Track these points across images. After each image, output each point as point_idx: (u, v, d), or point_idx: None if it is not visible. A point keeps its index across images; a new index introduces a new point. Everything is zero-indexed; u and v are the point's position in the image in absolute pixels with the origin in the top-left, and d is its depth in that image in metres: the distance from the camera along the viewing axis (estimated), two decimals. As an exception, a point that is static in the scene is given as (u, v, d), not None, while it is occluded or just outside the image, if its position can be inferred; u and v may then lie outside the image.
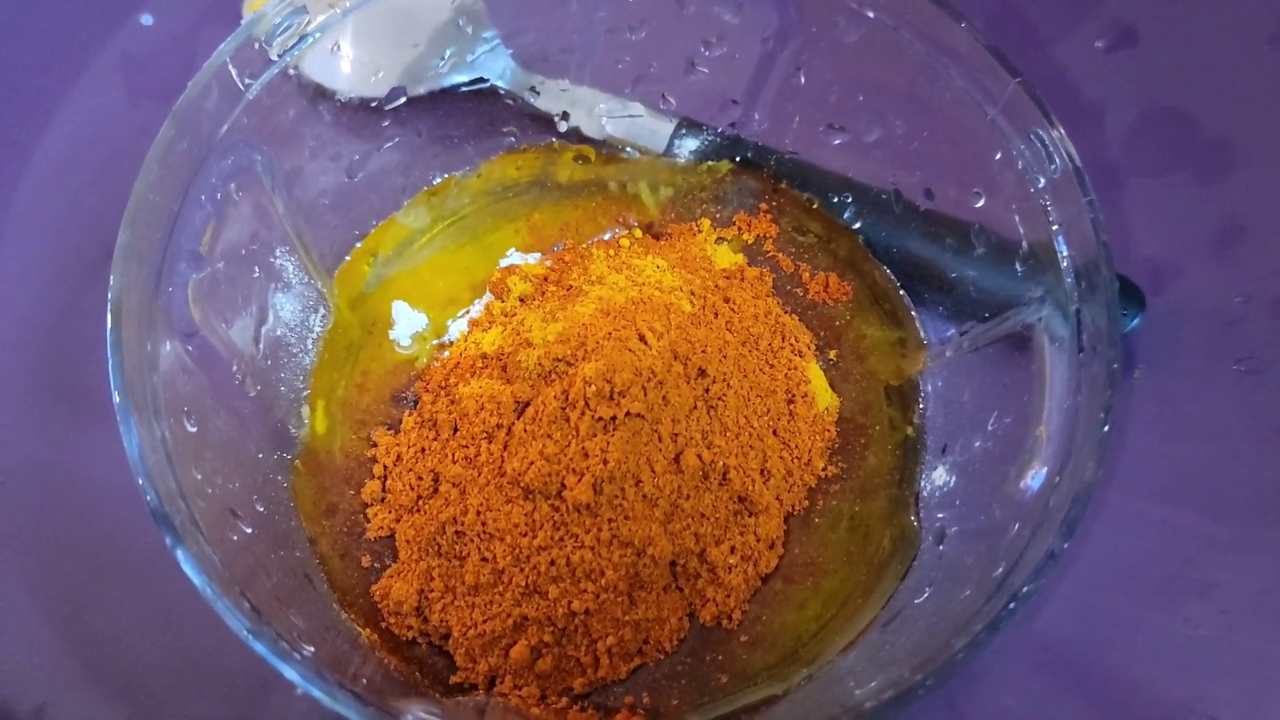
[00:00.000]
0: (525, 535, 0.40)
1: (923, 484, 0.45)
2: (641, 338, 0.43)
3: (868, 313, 0.49)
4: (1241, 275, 0.50)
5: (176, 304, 0.38)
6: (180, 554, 0.33)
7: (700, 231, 0.51)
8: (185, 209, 0.38)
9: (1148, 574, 0.45)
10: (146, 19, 0.55)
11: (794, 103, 0.49)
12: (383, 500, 0.44)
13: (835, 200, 0.50)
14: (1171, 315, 0.50)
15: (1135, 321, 0.48)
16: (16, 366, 0.48)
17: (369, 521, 0.44)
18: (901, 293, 0.49)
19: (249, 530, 0.39)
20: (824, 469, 0.46)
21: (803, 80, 0.48)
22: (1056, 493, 0.37)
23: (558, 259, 0.49)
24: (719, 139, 0.51)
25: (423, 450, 0.44)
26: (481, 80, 0.50)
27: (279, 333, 0.45)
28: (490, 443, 0.42)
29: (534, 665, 0.41)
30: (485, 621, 0.40)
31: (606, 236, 0.51)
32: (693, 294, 0.47)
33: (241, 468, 0.41)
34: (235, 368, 0.42)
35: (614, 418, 0.41)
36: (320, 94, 0.45)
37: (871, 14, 0.43)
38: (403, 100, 0.48)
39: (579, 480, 0.40)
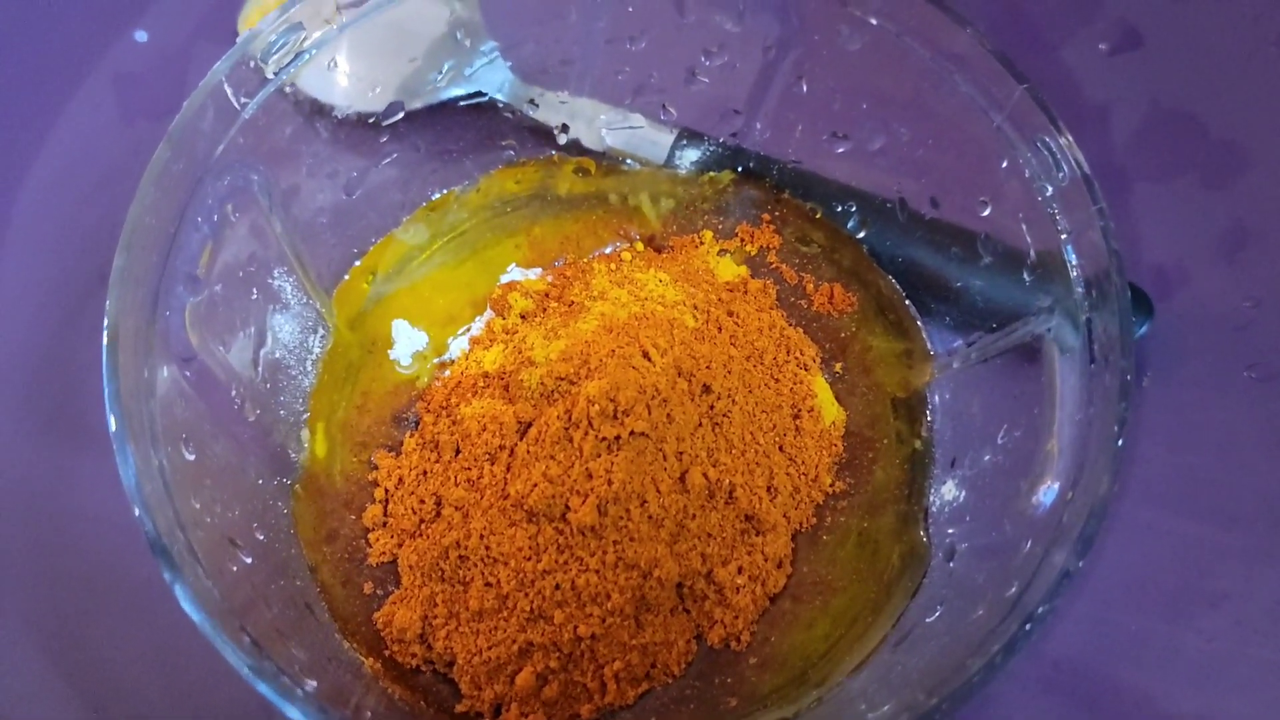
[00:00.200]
0: (529, 559, 0.40)
1: (932, 499, 0.45)
2: (645, 354, 0.43)
3: (873, 324, 0.49)
4: (1250, 280, 0.50)
5: (174, 328, 0.38)
6: (179, 589, 0.32)
7: (703, 243, 0.50)
8: (182, 231, 0.38)
9: (1158, 586, 0.45)
10: (141, 35, 0.55)
11: (796, 112, 0.48)
12: (384, 525, 0.43)
13: (839, 210, 0.49)
14: (1179, 322, 0.49)
15: (1143, 329, 0.47)
16: (10, 391, 0.47)
17: (370, 547, 0.43)
18: (907, 303, 0.48)
19: (248, 560, 0.38)
20: (831, 485, 0.45)
21: (805, 89, 0.47)
22: (1070, 508, 0.36)
23: (559, 274, 0.49)
24: (720, 149, 0.51)
25: (425, 473, 0.43)
26: (480, 94, 0.50)
27: (278, 355, 0.44)
28: (493, 464, 0.42)
29: (540, 692, 0.40)
30: (490, 648, 0.40)
31: (608, 250, 0.50)
32: (696, 308, 0.46)
33: (241, 495, 0.40)
34: (234, 392, 0.41)
35: (618, 437, 0.40)
36: (317, 110, 0.44)
37: (874, 21, 0.43)
38: (400, 115, 0.47)
39: (583, 502, 0.39)
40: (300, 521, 0.43)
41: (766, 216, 0.51)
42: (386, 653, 0.41)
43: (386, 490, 0.44)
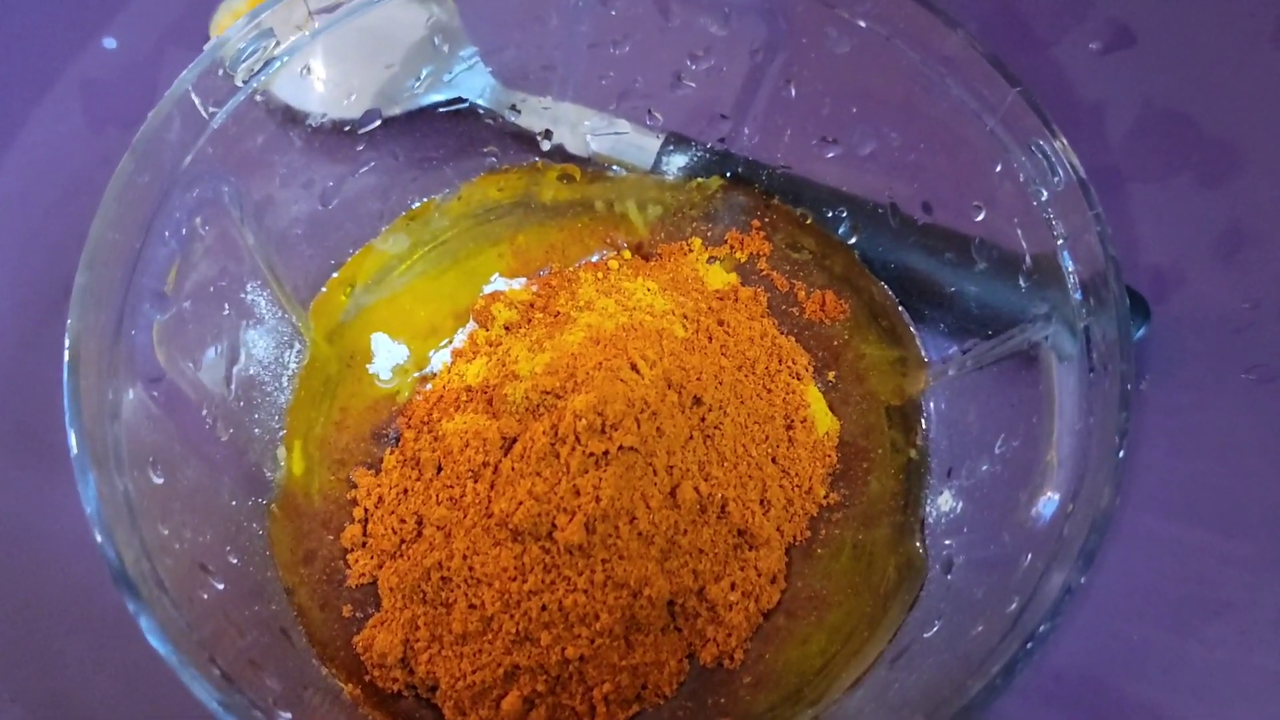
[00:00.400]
0: (515, 579, 0.39)
1: (928, 510, 0.44)
2: (633, 367, 0.42)
3: (866, 331, 0.48)
4: (1248, 281, 0.50)
5: (140, 348, 0.36)
6: (143, 621, 0.31)
7: (691, 251, 0.49)
8: (148, 246, 0.37)
9: (1160, 595, 0.44)
10: (109, 42, 0.54)
11: (785, 116, 0.48)
12: (364, 545, 0.42)
13: (830, 215, 0.49)
14: (1176, 324, 0.49)
15: (1140, 332, 0.46)
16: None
17: (349, 568, 0.42)
18: (901, 310, 0.48)
19: (220, 586, 0.37)
20: (825, 496, 0.44)
21: (793, 93, 0.47)
22: (1071, 521, 0.35)
23: (544, 284, 0.48)
24: (708, 154, 0.50)
25: (405, 491, 0.42)
26: (460, 100, 0.49)
27: (252, 371, 0.43)
28: (476, 482, 0.41)
29: (527, 716, 0.39)
30: (475, 672, 0.39)
31: (594, 258, 0.49)
32: (685, 318, 0.45)
33: (213, 517, 0.39)
34: (205, 411, 0.40)
35: (606, 452, 0.39)
36: (291, 118, 0.43)
37: (863, 23, 0.42)
38: (377, 123, 0.46)
39: (570, 520, 0.38)
40: (276, 543, 0.42)
41: (756, 223, 0.50)
42: (367, 678, 0.40)
43: (366, 509, 0.43)
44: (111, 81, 0.53)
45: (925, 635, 0.39)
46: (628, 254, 0.49)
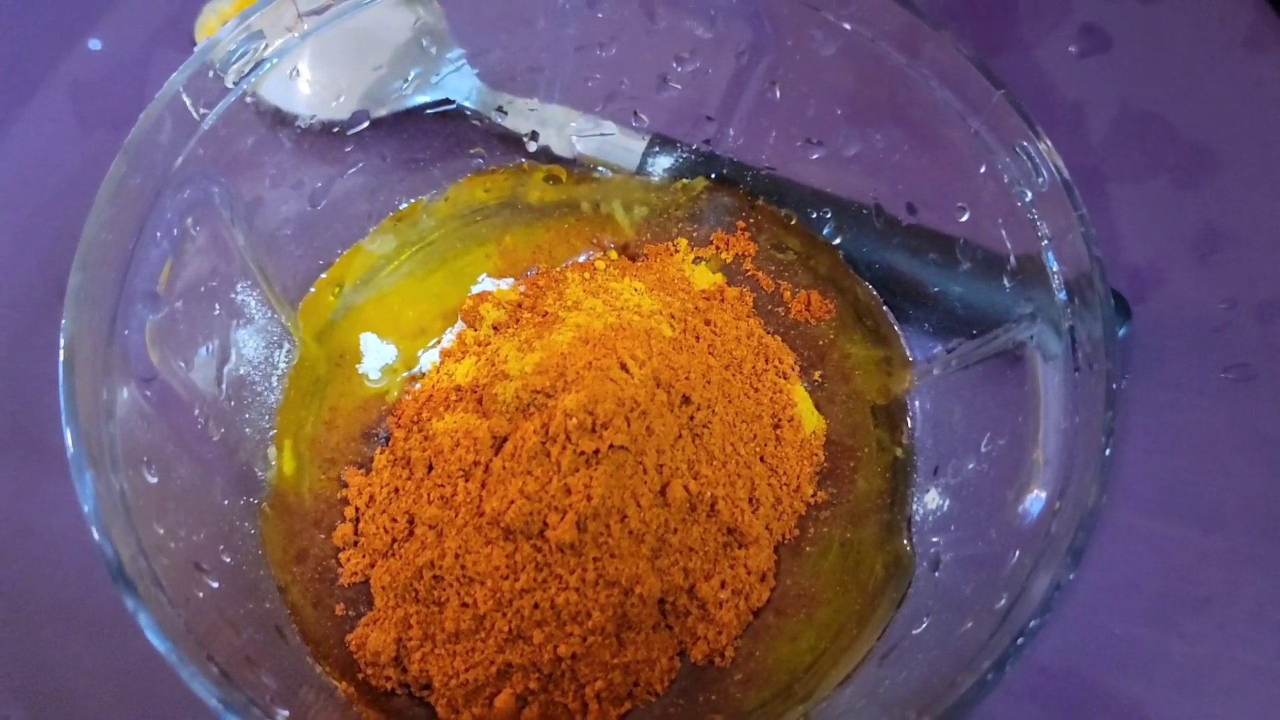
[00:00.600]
0: (506, 578, 0.39)
1: (915, 508, 0.44)
2: (623, 366, 0.42)
3: (851, 331, 0.48)
4: (1225, 281, 0.50)
5: (133, 347, 0.36)
6: (143, 618, 0.31)
7: (678, 251, 0.49)
8: (140, 247, 0.36)
9: (1141, 591, 0.45)
10: (95, 44, 0.54)
11: (770, 118, 0.48)
12: (355, 544, 0.42)
13: (815, 216, 0.49)
14: (1155, 324, 0.49)
15: (1122, 332, 0.47)
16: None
17: (341, 567, 0.42)
18: (885, 310, 0.48)
19: (215, 584, 0.37)
20: (813, 495, 0.45)
21: (778, 94, 0.47)
22: (1058, 519, 0.36)
23: (531, 284, 0.48)
24: (693, 156, 0.50)
25: (396, 490, 0.42)
26: (447, 101, 0.49)
27: (242, 371, 0.43)
28: (467, 481, 0.41)
29: (520, 714, 0.39)
30: (467, 670, 0.39)
31: (581, 259, 0.49)
32: (673, 317, 0.46)
33: (206, 517, 0.39)
34: (197, 411, 0.40)
35: (596, 451, 0.39)
36: (280, 120, 0.43)
37: (848, 26, 0.42)
38: (365, 124, 0.46)
39: (561, 518, 0.39)
40: (268, 542, 0.42)
41: (741, 223, 0.50)
42: (360, 676, 0.40)
43: (357, 509, 0.43)
44: (99, 83, 0.53)
45: (914, 632, 0.40)
46: (614, 254, 0.49)
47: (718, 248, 0.50)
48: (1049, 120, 0.42)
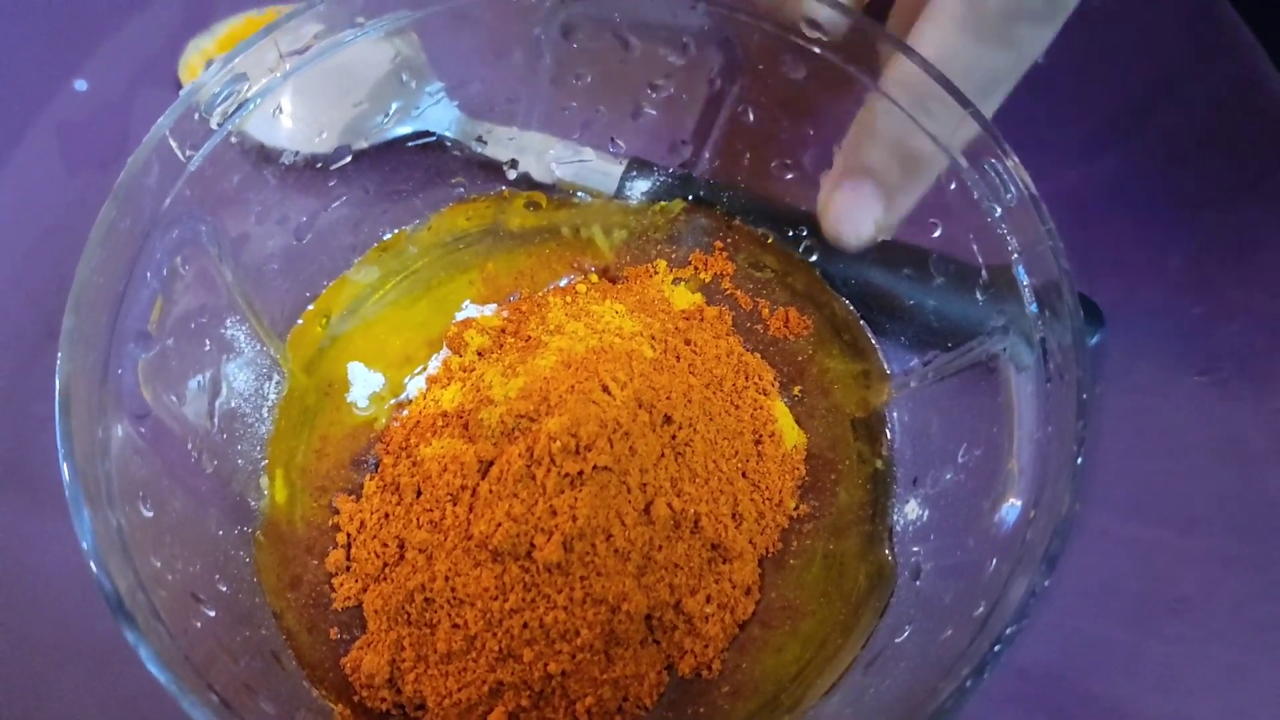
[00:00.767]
0: (496, 599, 0.40)
1: (895, 518, 0.45)
2: (605, 388, 0.43)
3: (829, 346, 0.49)
4: (1198, 286, 0.51)
5: (126, 385, 0.37)
6: (143, 651, 0.31)
7: (657, 273, 0.50)
8: (131, 288, 0.37)
9: (1119, 593, 0.45)
10: (80, 84, 0.54)
11: (744, 140, 0.49)
12: (348, 569, 0.43)
13: (790, 235, 0.50)
14: (1130, 329, 0.50)
15: (1095, 339, 0.48)
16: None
17: (335, 591, 0.43)
18: (862, 324, 0.49)
19: (212, 614, 0.38)
20: (795, 508, 0.45)
21: (751, 118, 0.48)
22: (1033, 527, 0.36)
23: (514, 309, 0.49)
24: (670, 179, 0.51)
25: (386, 516, 0.43)
26: (428, 133, 0.50)
27: (233, 404, 0.44)
28: (455, 505, 0.42)
29: (512, 731, 0.40)
30: (460, 690, 0.39)
31: (563, 283, 0.50)
32: (653, 338, 0.46)
33: (202, 548, 0.40)
34: (190, 445, 0.41)
35: (581, 472, 0.40)
36: (264, 157, 0.44)
37: (818, 50, 0.43)
38: (348, 159, 0.47)
39: (548, 539, 0.39)
40: (263, 569, 0.42)
41: (719, 244, 0.51)
42: (356, 698, 0.41)
43: (349, 535, 0.44)
44: (84, 123, 0.53)
45: (896, 641, 0.40)
46: (595, 278, 0.50)
47: (696, 268, 0.51)
48: (1019, 123, 0.43)
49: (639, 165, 0.51)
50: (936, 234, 0.44)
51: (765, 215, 0.50)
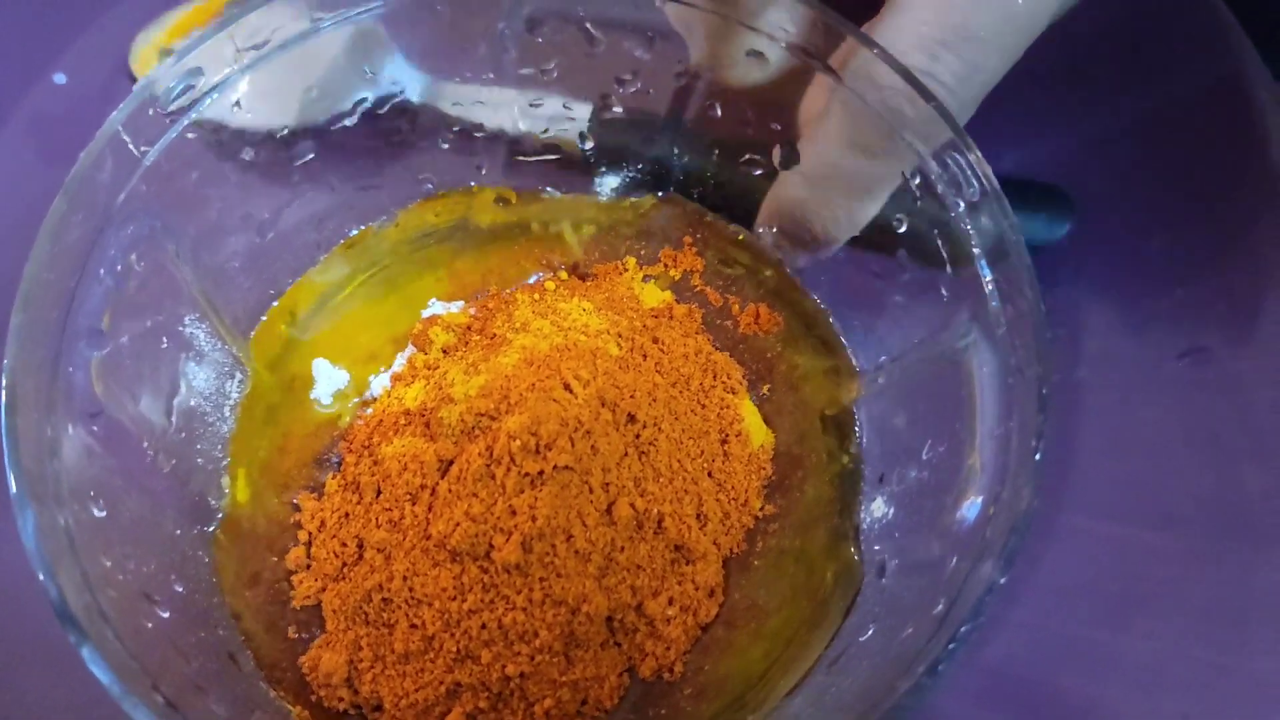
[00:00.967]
0: (454, 599, 0.39)
1: (862, 516, 0.45)
2: (567, 386, 0.42)
3: (799, 342, 0.49)
4: (1177, 264, 0.50)
5: (78, 384, 0.37)
6: (86, 652, 0.31)
7: (626, 270, 0.50)
8: (82, 285, 0.37)
9: (1093, 591, 0.45)
10: (59, 78, 0.54)
11: (712, 135, 0.48)
12: (308, 568, 0.43)
13: (760, 230, 0.49)
14: (1112, 310, 0.50)
15: (1064, 230, 0.48)
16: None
17: (294, 589, 0.42)
18: (831, 320, 0.48)
19: (165, 614, 0.37)
20: (761, 508, 0.45)
21: (719, 112, 0.47)
22: (993, 523, 0.36)
23: (481, 306, 0.48)
24: (639, 174, 0.51)
25: (346, 515, 0.43)
26: (396, 95, 0.48)
27: (193, 403, 0.43)
28: (414, 505, 0.41)
29: (470, 732, 0.39)
30: (418, 690, 0.39)
31: (532, 280, 0.50)
32: (620, 336, 0.46)
33: (157, 548, 0.40)
34: (146, 444, 0.40)
35: (541, 472, 0.40)
36: (224, 153, 0.43)
37: (783, 44, 0.43)
38: (311, 156, 0.46)
39: (507, 540, 0.39)
40: (222, 569, 0.42)
41: (689, 239, 0.50)
42: (314, 698, 0.41)
43: (310, 533, 0.43)
44: (62, 116, 0.53)
45: (860, 639, 0.40)
46: (564, 275, 0.50)
47: (666, 265, 0.50)
48: (995, 128, 0.43)
49: (609, 160, 0.50)
50: (902, 229, 0.44)
51: (736, 211, 0.50)
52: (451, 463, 0.42)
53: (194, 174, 0.42)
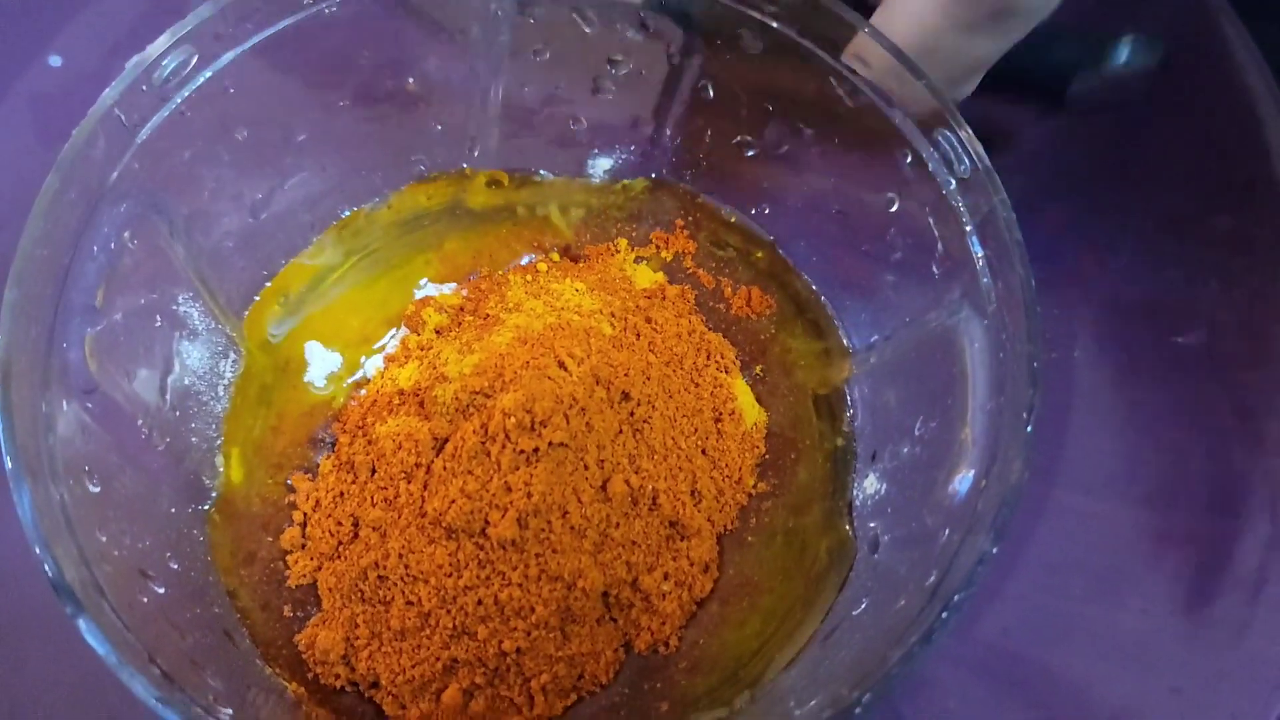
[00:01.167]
0: (450, 576, 0.39)
1: (855, 493, 0.45)
2: (561, 364, 0.42)
3: (791, 324, 0.49)
4: (1171, 246, 0.51)
5: (72, 361, 0.37)
6: (82, 624, 0.31)
7: (618, 251, 0.50)
8: (76, 262, 0.37)
9: (1085, 568, 0.45)
10: (55, 60, 0.54)
11: (704, 116, 0.49)
12: (303, 547, 0.43)
13: (753, 212, 0.50)
14: (1103, 297, 0.50)
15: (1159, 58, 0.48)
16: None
17: (289, 569, 0.42)
18: (823, 301, 0.49)
19: (161, 590, 0.37)
20: (755, 486, 0.45)
21: (711, 94, 0.48)
22: (984, 496, 0.36)
23: (474, 287, 0.49)
24: (632, 156, 0.51)
25: (341, 494, 0.43)
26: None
27: (187, 381, 0.44)
28: (409, 483, 0.41)
29: (467, 708, 0.40)
30: (414, 666, 0.39)
31: (524, 262, 0.50)
32: (613, 316, 0.46)
33: (152, 525, 0.40)
34: (141, 422, 0.41)
35: (536, 449, 0.40)
36: (218, 132, 0.43)
37: (775, 24, 0.43)
38: (304, 137, 0.46)
39: (503, 516, 0.39)
40: (217, 547, 0.42)
41: (680, 222, 0.51)
42: (310, 675, 0.41)
43: (305, 513, 0.43)
44: (59, 98, 0.53)
45: (854, 613, 0.40)
46: (556, 256, 0.50)
47: (658, 247, 0.50)
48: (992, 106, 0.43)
49: (601, 142, 0.50)
50: (894, 208, 0.44)
51: (728, 193, 0.50)
52: (446, 441, 0.42)
53: (187, 153, 0.42)
